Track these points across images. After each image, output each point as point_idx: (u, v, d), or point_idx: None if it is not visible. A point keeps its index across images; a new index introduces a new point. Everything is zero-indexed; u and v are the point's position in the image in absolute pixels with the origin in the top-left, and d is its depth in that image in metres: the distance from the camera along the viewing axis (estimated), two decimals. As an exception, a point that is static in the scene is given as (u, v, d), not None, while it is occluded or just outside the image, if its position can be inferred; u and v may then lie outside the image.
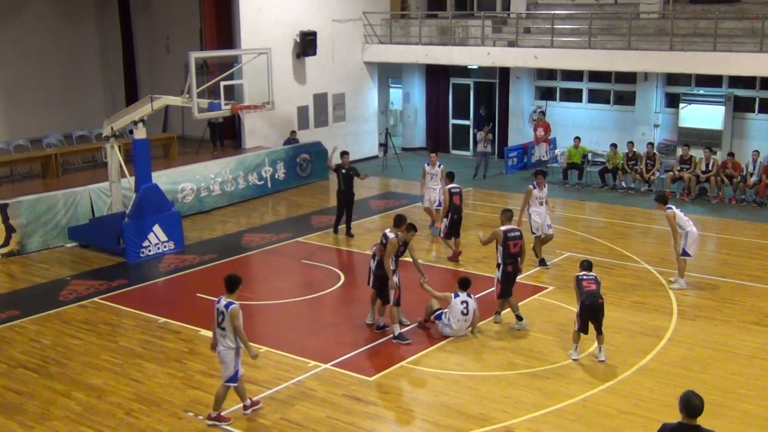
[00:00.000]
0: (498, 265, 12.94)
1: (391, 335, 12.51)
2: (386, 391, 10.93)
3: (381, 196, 21.97)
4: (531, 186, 15.72)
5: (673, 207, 14.69)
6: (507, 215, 13.21)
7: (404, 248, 12.65)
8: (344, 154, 18.46)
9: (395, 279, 12.33)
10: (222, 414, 10.14)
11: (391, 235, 12.29)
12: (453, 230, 16.53)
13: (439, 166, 18.23)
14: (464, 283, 12.64)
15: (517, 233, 12.91)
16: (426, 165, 18.40)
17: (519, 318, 12.90)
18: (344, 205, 18.20)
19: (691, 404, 6.88)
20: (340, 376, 11.34)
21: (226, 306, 9.75)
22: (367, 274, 13.08)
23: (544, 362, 11.71)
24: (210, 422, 10.08)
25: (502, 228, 12.90)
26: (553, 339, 12.46)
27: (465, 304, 12.45)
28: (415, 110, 29.20)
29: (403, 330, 12.59)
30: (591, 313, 11.57)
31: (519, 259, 12.95)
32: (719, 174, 21.09)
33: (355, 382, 11.19)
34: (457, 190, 16.58)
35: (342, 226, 18.38)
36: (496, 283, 13.05)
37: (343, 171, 18.01)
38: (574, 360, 11.70)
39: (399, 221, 12.68)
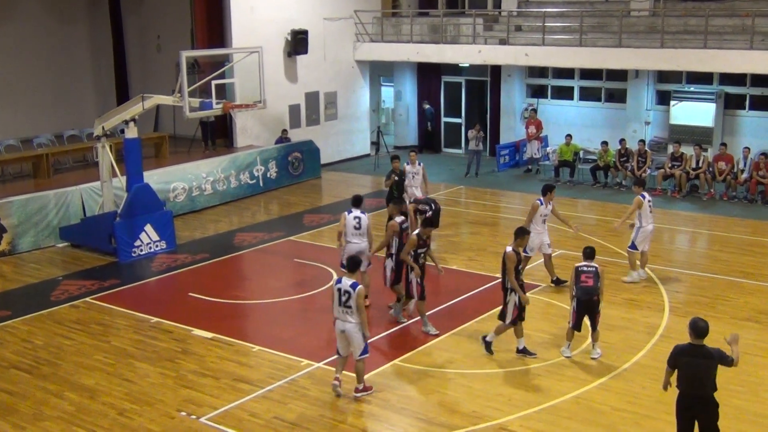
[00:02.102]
0: (390, 255, 13.05)
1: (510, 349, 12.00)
2: (379, 389, 10.91)
3: (373, 194, 21.93)
4: (537, 201, 14.53)
5: (646, 197, 14.79)
6: (398, 206, 13.50)
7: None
8: (395, 158, 17.47)
9: (517, 296, 11.61)
10: (366, 384, 10.73)
11: (508, 249, 11.59)
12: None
13: (419, 164, 17.87)
14: (356, 201, 13.51)
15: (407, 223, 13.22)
16: (406, 164, 17.77)
17: (398, 300, 13.24)
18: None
19: (698, 326, 8.21)
20: (334, 375, 11.32)
21: (353, 286, 10.30)
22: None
23: (537, 359, 11.70)
24: (358, 394, 10.65)
25: (398, 220, 13.13)
26: (546, 336, 12.46)
27: (358, 219, 13.16)
28: (407, 108, 29.20)
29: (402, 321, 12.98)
30: (586, 309, 11.56)
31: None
32: (713, 170, 21.10)
33: (348, 380, 11.16)
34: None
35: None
36: (390, 272, 13.11)
37: (395, 177, 17.08)
38: (567, 357, 11.73)
39: (520, 233, 11.84)
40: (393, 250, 13.03)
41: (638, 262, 14.93)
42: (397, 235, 13.00)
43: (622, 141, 22.56)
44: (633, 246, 14.79)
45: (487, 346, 11.92)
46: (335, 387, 10.69)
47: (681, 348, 8.39)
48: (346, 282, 10.39)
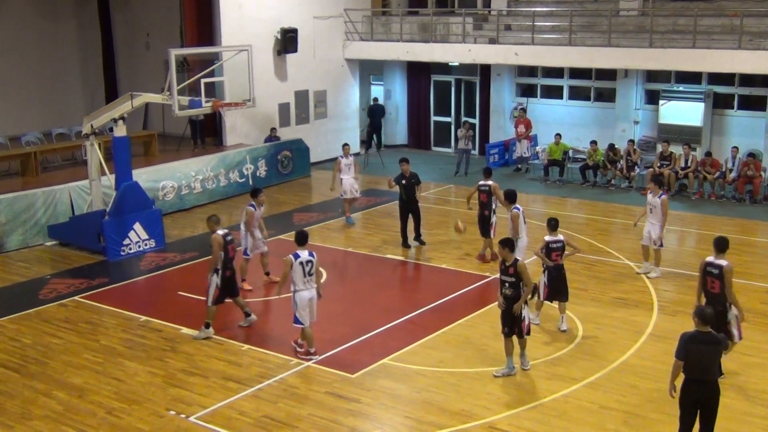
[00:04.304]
0: (216, 271, 12.42)
1: None
2: (368, 388, 10.93)
3: (363, 193, 21.91)
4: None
5: None
6: (213, 220, 12.70)
7: None
8: (403, 161, 17.33)
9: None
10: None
11: (724, 263, 10.77)
12: (484, 230, 16.04)
13: (351, 156, 19.16)
14: (254, 192, 14.72)
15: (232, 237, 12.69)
16: (341, 157, 19.07)
17: (247, 315, 13.06)
18: (406, 216, 17.18)
19: (704, 313, 8.63)
20: (323, 374, 11.33)
21: (311, 255, 11.53)
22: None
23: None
24: (313, 358, 11.78)
25: (220, 233, 12.41)
26: (534, 335, 12.47)
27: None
28: (397, 107, 29.21)
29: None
30: (556, 282, 12.48)
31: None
32: (699, 170, 21.20)
33: (337, 379, 11.19)
34: (486, 188, 15.97)
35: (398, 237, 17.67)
36: (215, 289, 12.45)
37: (404, 182, 17.00)
38: (537, 324, 12.55)
39: (722, 245, 10.92)
40: (219, 266, 12.44)
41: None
42: (222, 248, 12.40)
43: (611, 146, 22.57)
44: (662, 244, 14.98)
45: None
46: (314, 355, 11.79)
47: (689, 335, 8.61)
48: (305, 254, 11.47)
